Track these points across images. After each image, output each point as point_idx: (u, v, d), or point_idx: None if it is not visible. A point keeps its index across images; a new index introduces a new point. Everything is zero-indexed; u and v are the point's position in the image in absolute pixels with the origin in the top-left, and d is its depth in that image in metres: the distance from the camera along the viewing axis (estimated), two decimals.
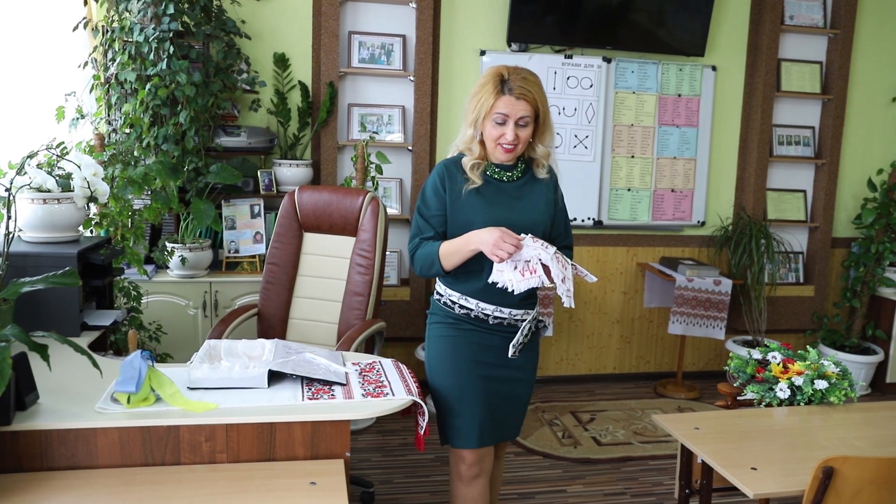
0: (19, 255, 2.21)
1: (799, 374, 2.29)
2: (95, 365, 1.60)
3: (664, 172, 4.24)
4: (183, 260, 3.28)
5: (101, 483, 1.56)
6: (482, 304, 2.05)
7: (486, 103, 1.93)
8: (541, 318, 2.18)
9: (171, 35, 3.16)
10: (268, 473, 1.62)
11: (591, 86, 4.03)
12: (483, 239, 1.90)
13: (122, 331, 2.82)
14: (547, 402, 3.99)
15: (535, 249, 1.87)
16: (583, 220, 4.15)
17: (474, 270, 2.01)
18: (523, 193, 2.03)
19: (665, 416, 2.11)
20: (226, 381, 1.82)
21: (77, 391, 1.76)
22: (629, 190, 4.21)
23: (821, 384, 2.24)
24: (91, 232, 2.73)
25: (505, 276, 1.90)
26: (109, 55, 3.24)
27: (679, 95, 4.18)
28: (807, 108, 4.41)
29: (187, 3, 3.28)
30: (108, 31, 3.23)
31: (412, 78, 3.88)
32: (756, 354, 2.43)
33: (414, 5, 3.83)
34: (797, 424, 2.10)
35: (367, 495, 2.86)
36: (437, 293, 2.15)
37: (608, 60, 4.05)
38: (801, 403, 2.23)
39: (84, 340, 2.25)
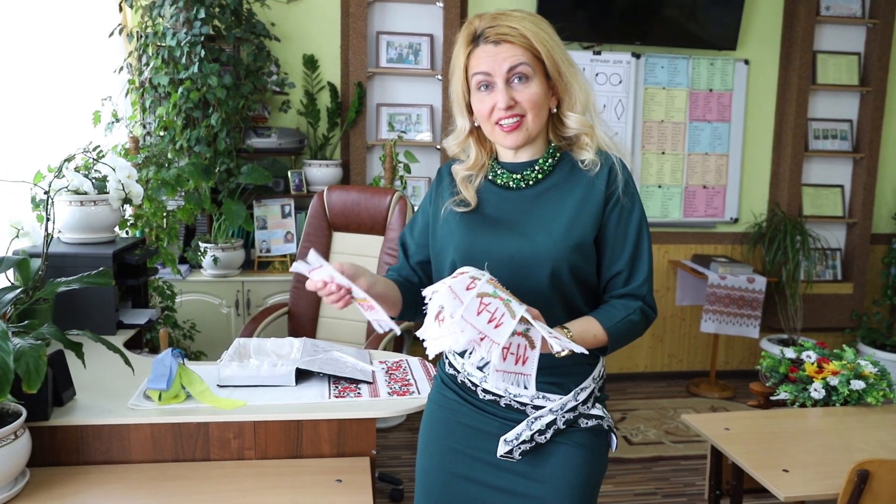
0: (58, 255, 2.28)
1: (834, 373, 2.24)
2: (128, 362, 1.65)
3: (696, 169, 4.17)
4: (215, 260, 3.34)
5: (133, 477, 1.60)
6: (468, 368, 1.35)
7: (459, 67, 1.29)
8: (597, 412, 1.33)
9: (202, 39, 3.22)
10: (294, 470, 1.64)
11: (619, 82, 3.99)
12: None
13: (158, 329, 2.88)
14: None
15: (443, 285, 1.12)
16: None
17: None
18: (541, 205, 1.29)
19: (695, 415, 2.08)
20: (254, 379, 1.85)
21: (112, 388, 1.81)
22: (660, 187, 4.15)
23: (857, 384, 2.18)
24: (126, 233, 2.79)
25: (425, 326, 1.13)
26: (143, 60, 3.32)
27: (710, 90, 4.11)
28: (844, 100, 4.30)
29: (218, 7, 3.34)
30: (142, 36, 3.31)
31: (440, 77, 3.89)
32: (789, 353, 2.39)
33: (441, 4, 3.83)
34: (832, 426, 2.06)
35: (396, 492, 2.87)
36: None
37: (637, 56, 4.00)
38: (837, 404, 2.18)
39: (119, 339, 2.30)
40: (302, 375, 1.91)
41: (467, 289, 1.09)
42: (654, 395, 4.08)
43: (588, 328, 1.24)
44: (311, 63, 3.76)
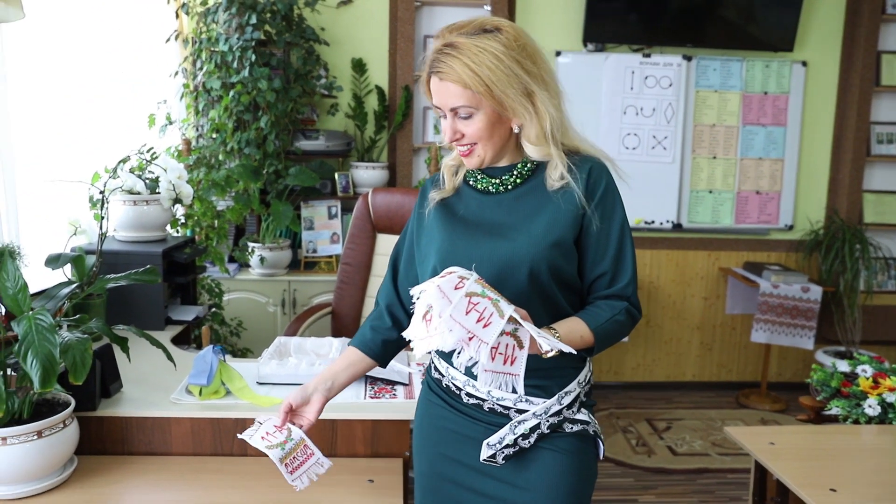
0: (111, 252, 2.37)
1: (891, 390, 2.14)
2: (170, 357, 1.70)
3: (748, 174, 4.05)
4: (262, 259, 3.42)
5: (174, 469, 1.64)
6: (452, 371, 1.35)
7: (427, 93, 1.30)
8: (583, 417, 1.32)
9: (253, 44, 3.30)
10: (328, 469, 1.66)
11: (670, 85, 3.91)
12: None
13: (206, 325, 2.97)
14: (622, 408, 3.90)
15: (432, 284, 1.12)
16: (661, 223, 4.03)
17: None
18: (519, 208, 1.30)
19: (739, 428, 2.02)
20: (292, 378, 1.88)
21: (156, 382, 1.87)
22: (710, 192, 4.05)
23: None
24: (177, 232, 2.88)
25: (412, 326, 1.13)
26: (198, 65, 3.42)
27: (765, 93, 3.99)
28: None
29: (269, 13, 3.42)
30: (196, 41, 3.41)
31: None
32: (842, 367, 2.29)
33: (488, 7, 3.83)
34: (887, 445, 1.96)
35: None
36: None
37: (688, 58, 3.92)
38: (894, 422, 2.09)
39: (167, 334, 2.38)
40: None
41: (456, 288, 1.08)
42: (701, 406, 3.98)
43: (575, 328, 1.24)
44: (359, 66, 3.81)
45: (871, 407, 2.10)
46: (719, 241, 4.14)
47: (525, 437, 1.28)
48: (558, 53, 3.89)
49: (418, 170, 3.93)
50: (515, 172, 1.31)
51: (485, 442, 1.29)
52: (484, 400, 1.31)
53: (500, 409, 1.31)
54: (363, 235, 3.06)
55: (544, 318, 1.25)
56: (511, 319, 1.08)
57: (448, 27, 1.25)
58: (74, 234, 2.42)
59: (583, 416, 1.32)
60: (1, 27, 2.14)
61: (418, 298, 1.11)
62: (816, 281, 3.94)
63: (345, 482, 1.61)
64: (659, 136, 3.95)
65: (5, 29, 2.18)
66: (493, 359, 1.08)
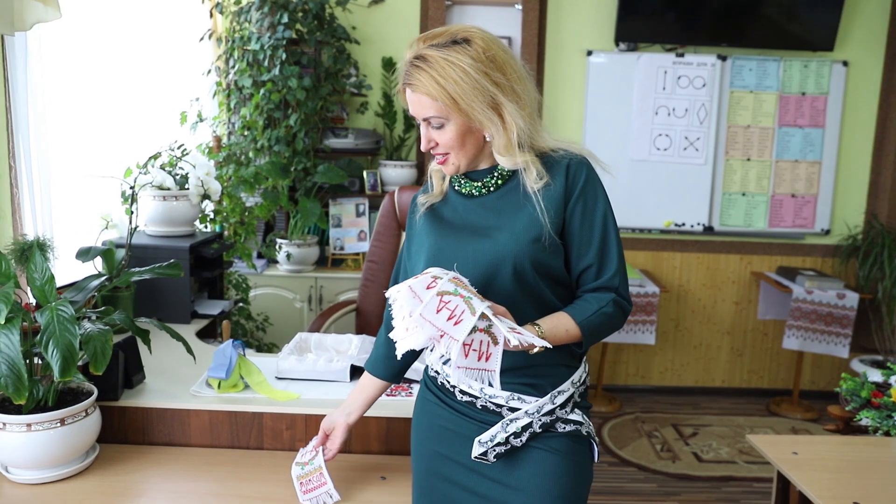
0: (140, 246, 2.43)
1: None
2: (189, 350, 1.73)
3: (784, 176, 3.96)
4: (288, 255, 3.46)
5: (191, 460, 1.68)
6: (447, 369, 1.37)
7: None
8: (576, 417, 1.32)
9: (284, 43, 3.34)
10: (341, 465, 1.67)
11: (703, 85, 3.84)
12: None
13: (233, 320, 3.02)
14: (648, 412, 3.85)
15: (404, 285, 1.15)
16: (692, 226, 3.96)
17: None
18: (501, 208, 1.32)
19: (762, 436, 1.98)
20: (310, 373, 1.90)
21: (179, 374, 1.91)
22: (744, 194, 3.97)
23: None
24: (206, 227, 2.94)
25: (395, 328, 1.15)
26: (230, 63, 3.48)
27: (803, 94, 3.89)
28: None
29: (301, 12, 3.45)
30: (229, 40, 3.47)
31: None
32: (874, 376, 2.23)
33: (520, 6, 3.81)
34: None
35: None
36: None
37: (723, 58, 3.84)
38: None
39: (193, 328, 2.43)
40: (358, 372, 1.95)
41: (427, 287, 1.10)
42: (730, 412, 3.91)
43: (559, 323, 1.25)
44: (389, 65, 3.83)
45: None
46: (752, 244, 4.05)
47: (517, 435, 1.28)
48: (589, 53, 3.85)
49: None
50: (496, 174, 1.34)
51: (476, 439, 1.30)
52: (477, 398, 1.32)
53: (492, 407, 1.31)
54: (389, 233, 3.07)
55: (533, 315, 1.25)
56: (483, 316, 1.09)
57: (421, 37, 1.27)
58: (106, 227, 2.49)
59: (576, 416, 1.32)
60: (38, 25, 2.21)
61: (394, 300, 1.13)
62: (853, 287, 3.83)
63: (357, 478, 1.62)
64: (691, 137, 3.89)
65: (43, 27, 2.25)
66: (466, 355, 1.09)
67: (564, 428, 1.31)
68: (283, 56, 3.32)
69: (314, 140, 3.54)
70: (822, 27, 3.77)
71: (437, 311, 1.09)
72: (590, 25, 3.87)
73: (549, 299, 1.29)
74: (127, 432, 1.74)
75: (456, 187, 1.39)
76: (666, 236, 4.03)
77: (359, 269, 3.65)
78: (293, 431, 1.74)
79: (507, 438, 1.28)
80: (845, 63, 3.88)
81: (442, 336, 1.08)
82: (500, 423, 1.29)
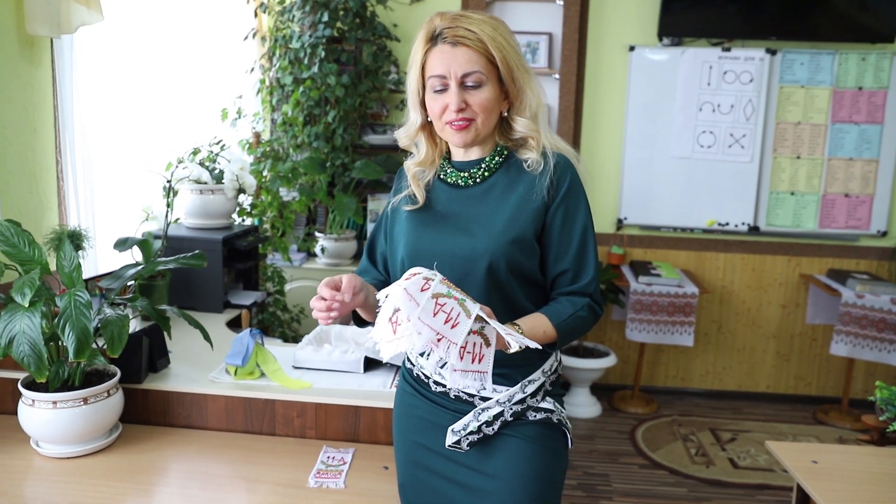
0: (176, 238, 2.54)
1: None
2: (207, 338, 1.81)
3: (836, 175, 3.80)
4: (322, 249, 3.54)
5: (207, 443, 1.76)
6: (421, 361, 1.39)
7: (416, 66, 1.31)
8: (547, 405, 1.34)
9: (323, 40, 3.42)
10: (348, 453, 1.72)
11: (750, 80, 3.72)
12: None
13: (269, 311, 3.12)
14: (685, 415, 3.77)
15: (398, 287, 1.11)
16: (736, 225, 3.85)
17: None
18: (485, 202, 1.32)
19: (780, 443, 1.92)
20: (325, 363, 1.96)
21: (203, 361, 1.99)
22: (792, 194, 3.83)
23: None
24: (244, 220, 3.04)
25: (378, 329, 1.13)
26: (273, 61, 3.58)
27: (860, 88, 3.72)
28: None
29: (343, 10, 3.52)
30: (273, 39, 3.57)
31: (557, 76, 3.85)
32: None
33: (561, 2, 3.78)
34: None
35: None
36: None
37: (772, 52, 3.71)
38: None
39: (225, 317, 2.53)
40: (373, 364, 2.00)
41: (422, 290, 1.09)
42: (773, 419, 3.78)
43: (537, 324, 1.26)
44: None
45: None
46: (801, 245, 3.91)
47: (489, 424, 1.31)
48: (632, 48, 3.79)
49: None
50: (483, 166, 1.35)
51: (450, 429, 1.33)
52: (449, 389, 1.35)
53: (465, 397, 1.34)
54: None
55: (502, 314, 1.26)
56: (478, 318, 1.10)
57: (443, 13, 1.30)
58: (147, 219, 2.62)
59: (547, 404, 1.34)
60: (83, 28, 2.33)
61: (384, 302, 1.12)
62: None
63: (360, 466, 1.66)
64: (737, 134, 3.77)
65: (88, 28, 2.38)
66: (461, 358, 1.10)
67: (535, 416, 1.33)
68: (323, 54, 3.40)
69: (353, 136, 3.61)
70: (882, 17, 3.59)
71: (434, 315, 1.08)
72: (632, 20, 3.80)
73: (518, 299, 1.31)
74: (150, 413, 1.83)
75: (441, 176, 1.39)
76: (709, 236, 3.92)
77: None
78: (304, 419, 1.80)
79: (480, 427, 1.31)
80: None
81: (440, 340, 1.08)
82: (472, 413, 1.32)
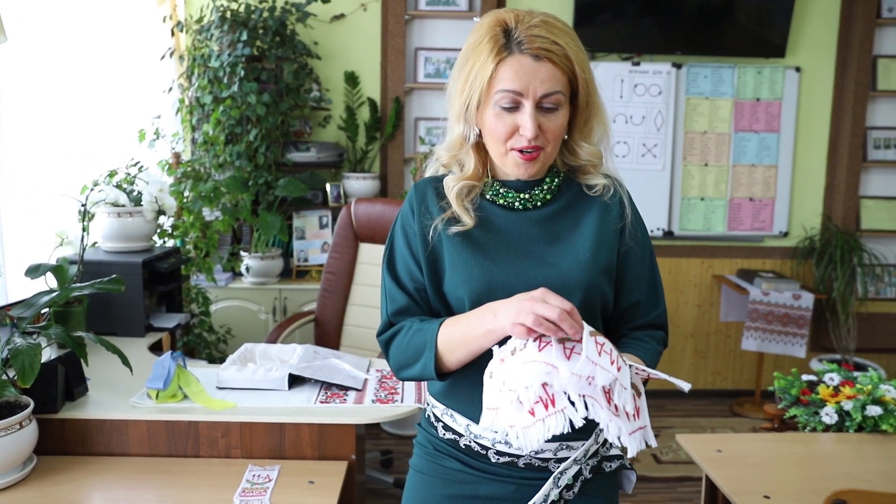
0: (94, 262, 2.49)
1: (849, 398, 2.14)
2: (125, 362, 1.79)
3: (741, 181, 4.04)
4: (247, 268, 3.52)
5: (130, 469, 1.73)
6: (474, 428, 1.16)
7: (481, 75, 1.09)
8: (613, 452, 1.21)
9: (243, 59, 3.41)
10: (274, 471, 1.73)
11: (659, 93, 3.92)
12: (511, 310, 1.00)
13: (195, 332, 3.08)
14: None
15: (584, 364, 0.94)
16: (652, 231, 4.03)
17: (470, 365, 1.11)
18: (555, 228, 1.16)
19: (688, 435, 2.04)
20: (250, 383, 1.96)
21: (122, 386, 1.96)
22: (702, 199, 4.05)
23: (873, 410, 2.08)
24: (165, 242, 3.00)
25: (501, 415, 0.97)
26: (192, 80, 3.55)
27: (758, 99, 3.98)
28: None
29: (262, 29, 3.53)
30: (191, 58, 3.54)
31: None
32: (810, 375, 2.30)
33: (478, 19, 3.88)
34: (837, 453, 1.97)
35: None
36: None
37: (678, 66, 3.93)
38: (851, 430, 2.09)
39: (147, 341, 2.49)
40: (298, 381, 2.01)
41: (568, 357, 0.93)
42: (693, 414, 3.97)
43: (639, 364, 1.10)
44: (352, 79, 3.90)
45: (828, 415, 2.10)
46: (712, 248, 4.13)
47: (569, 487, 1.14)
48: None
49: (409, 180, 4.01)
50: (545, 187, 1.17)
51: (531, 503, 1.14)
52: (519, 456, 1.15)
53: (537, 464, 1.16)
54: (346, 245, 3.14)
55: None
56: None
57: (513, 11, 1.11)
58: (61, 244, 2.55)
59: (616, 450, 1.20)
60: None
61: (522, 387, 0.94)
62: (810, 288, 3.90)
63: (287, 483, 1.68)
64: (649, 143, 3.97)
65: None
66: (616, 414, 0.93)
67: (611, 466, 1.19)
68: (243, 72, 3.39)
69: (276, 154, 3.61)
70: (774, 34, 3.86)
71: (599, 355, 0.92)
72: None
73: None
74: (67, 444, 1.79)
75: (488, 197, 1.17)
76: None
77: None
78: (228, 439, 1.79)
79: (560, 493, 1.14)
80: (798, 69, 3.97)
81: (609, 392, 0.92)
82: (550, 480, 1.14)
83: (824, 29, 3.97)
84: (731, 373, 4.23)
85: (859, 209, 4.07)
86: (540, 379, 0.93)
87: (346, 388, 1.98)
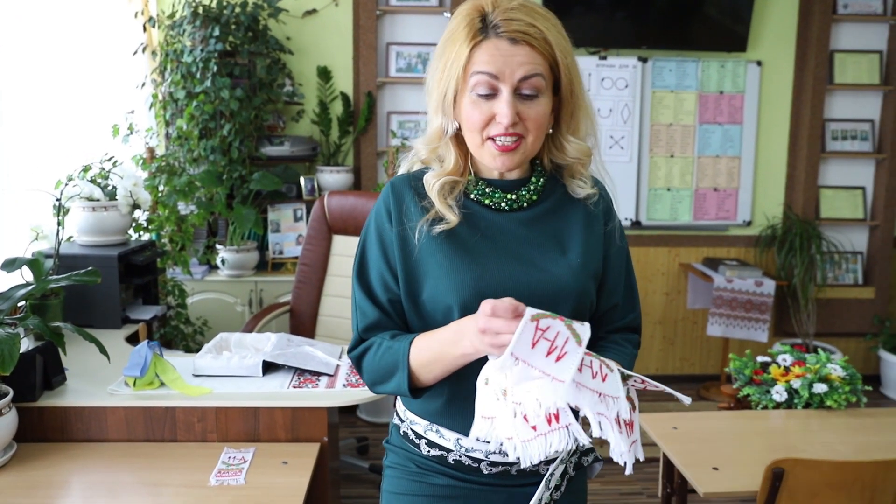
0: (70, 256, 2.52)
1: (798, 377, 2.26)
2: (103, 351, 1.85)
3: (706, 171, 4.17)
4: (223, 261, 3.56)
5: (108, 455, 1.79)
6: (465, 442, 1.13)
7: (457, 62, 1.04)
8: (586, 445, 1.06)
9: (216, 55, 3.45)
10: (249, 453, 1.80)
11: (626, 86, 4.03)
12: (475, 339, 0.97)
13: (172, 324, 3.13)
14: None
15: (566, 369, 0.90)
16: (620, 221, 4.14)
17: (455, 376, 1.08)
18: (543, 231, 1.12)
19: (645, 414, 2.14)
20: (225, 370, 2.03)
21: (100, 375, 2.01)
22: (668, 189, 4.16)
23: (820, 388, 2.20)
24: (141, 236, 3.04)
25: (498, 426, 0.94)
26: (165, 76, 3.58)
27: (721, 93, 4.10)
28: (865, 100, 4.20)
29: (234, 24, 3.57)
30: (164, 53, 3.57)
31: None
32: (765, 357, 2.41)
33: (448, 15, 3.96)
34: (784, 427, 2.09)
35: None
36: (396, 413, 1.26)
37: (644, 60, 4.03)
38: (799, 407, 2.21)
39: (124, 332, 2.53)
40: (272, 367, 2.08)
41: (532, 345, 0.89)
42: (663, 398, 4.07)
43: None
44: (324, 74, 3.95)
45: (779, 393, 2.22)
46: (679, 237, 4.25)
47: (557, 487, 1.15)
48: None
49: (382, 172, 4.08)
50: (531, 187, 1.13)
51: None
52: (512, 464, 1.13)
53: (530, 469, 1.13)
54: (319, 237, 3.20)
55: None
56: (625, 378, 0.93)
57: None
58: (36, 239, 2.59)
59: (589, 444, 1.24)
60: None
61: (516, 398, 0.91)
62: (772, 275, 4.04)
63: (261, 464, 1.75)
64: (616, 136, 4.07)
65: None
66: (621, 431, 0.92)
67: (587, 460, 1.20)
68: (215, 68, 3.43)
69: (250, 148, 3.65)
70: (736, 29, 3.98)
71: (593, 377, 0.90)
72: None
73: None
74: (46, 431, 1.85)
75: (473, 197, 1.12)
76: None
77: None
78: (204, 423, 1.86)
79: (551, 495, 1.14)
80: (759, 63, 4.10)
81: (554, 418, 0.89)
82: (542, 483, 1.13)
83: (784, 24, 4.10)
84: (698, 358, 4.37)
85: (819, 198, 4.22)
86: (551, 396, 0.89)
87: (319, 374, 2.06)
